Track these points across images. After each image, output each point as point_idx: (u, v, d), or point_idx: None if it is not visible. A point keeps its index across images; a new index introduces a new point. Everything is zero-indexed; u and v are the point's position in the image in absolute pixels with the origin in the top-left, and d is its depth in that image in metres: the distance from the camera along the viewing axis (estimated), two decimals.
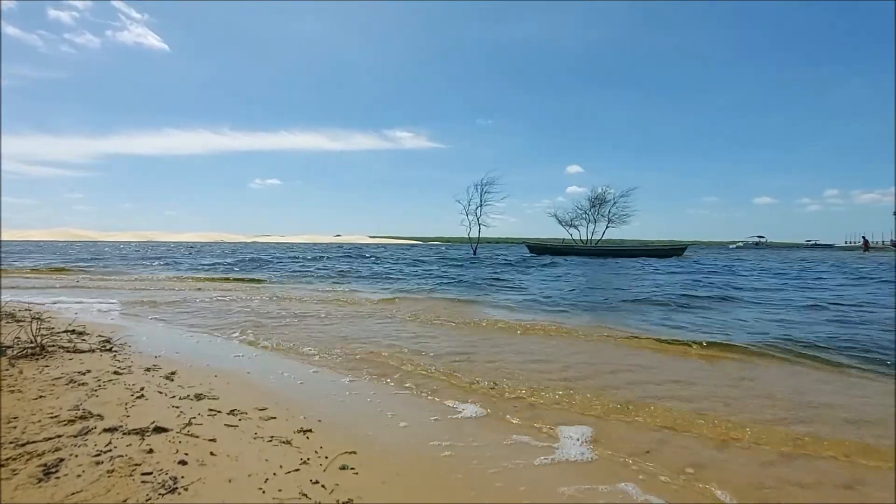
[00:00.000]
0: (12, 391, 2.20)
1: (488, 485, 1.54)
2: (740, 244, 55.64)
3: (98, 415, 1.94)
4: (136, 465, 1.52)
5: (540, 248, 26.06)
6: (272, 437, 1.82)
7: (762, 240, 54.71)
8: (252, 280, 10.13)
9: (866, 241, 40.28)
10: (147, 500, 1.32)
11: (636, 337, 4.06)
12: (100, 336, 3.61)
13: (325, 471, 1.56)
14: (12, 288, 7.77)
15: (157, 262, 16.53)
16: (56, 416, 1.89)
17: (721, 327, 4.59)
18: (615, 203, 28.52)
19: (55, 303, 5.83)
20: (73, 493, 1.33)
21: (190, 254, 24.94)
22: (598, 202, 28.95)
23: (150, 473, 1.46)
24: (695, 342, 3.76)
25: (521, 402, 2.44)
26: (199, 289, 8.20)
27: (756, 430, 2.06)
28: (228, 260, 18.24)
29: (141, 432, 1.77)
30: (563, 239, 29.65)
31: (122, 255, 22.02)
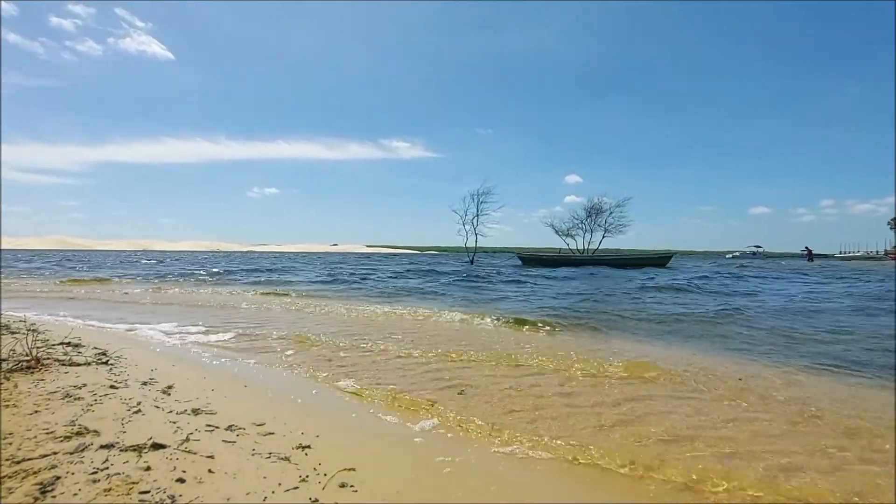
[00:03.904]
0: (7, 406, 2.17)
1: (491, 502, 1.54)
2: (737, 254, 55.73)
3: (94, 430, 1.92)
4: (134, 483, 1.50)
5: (532, 260, 26.11)
6: (270, 453, 1.81)
7: (759, 250, 54.92)
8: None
9: (810, 252, 41.38)
10: None
11: None
12: (95, 349, 3.59)
13: (324, 489, 1.55)
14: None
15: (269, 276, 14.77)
16: (52, 432, 1.87)
17: None
18: (611, 213, 28.73)
19: None
20: None
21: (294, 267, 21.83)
22: (594, 212, 29.15)
23: (148, 492, 1.45)
24: None
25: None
26: None
27: None
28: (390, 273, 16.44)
29: (138, 449, 1.76)
30: (560, 249, 29.74)
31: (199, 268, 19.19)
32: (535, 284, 11.71)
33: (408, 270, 18.43)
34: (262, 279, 13.64)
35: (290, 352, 3.88)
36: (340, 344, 4.17)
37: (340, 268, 20.90)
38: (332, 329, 5.10)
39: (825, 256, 53.84)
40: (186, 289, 10.43)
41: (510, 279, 13.46)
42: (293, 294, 9.27)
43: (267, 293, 9.46)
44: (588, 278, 14.08)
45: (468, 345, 4.21)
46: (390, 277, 14.53)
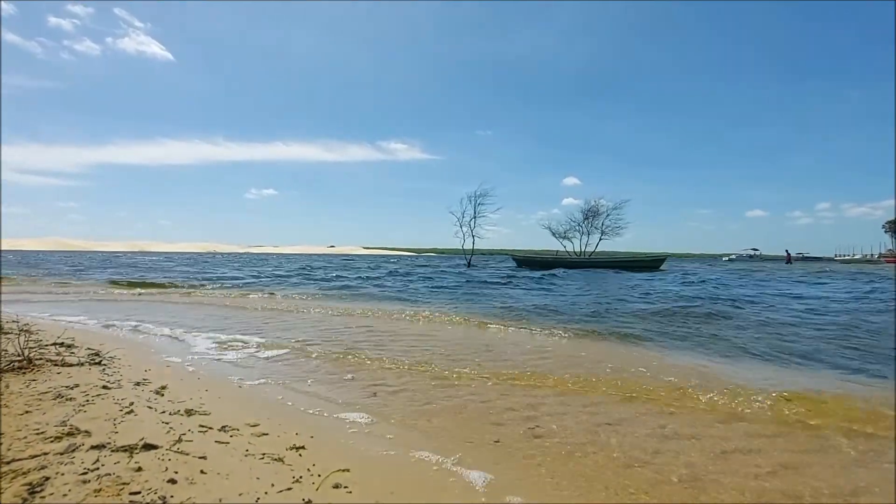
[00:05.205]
0: None
1: None
2: (733, 257, 55.93)
3: (86, 431, 1.90)
4: (125, 483, 1.48)
5: (527, 261, 26.08)
6: (264, 454, 1.79)
7: (756, 252, 55.14)
8: None
9: (789, 255, 41.86)
10: None
11: None
12: (88, 349, 3.56)
13: (317, 489, 1.53)
14: None
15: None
16: (42, 433, 1.85)
17: None
18: (608, 215, 28.72)
19: None
20: None
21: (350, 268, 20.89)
22: (591, 214, 29.15)
23: (139, 493, 1.43)
24: None
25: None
26: None
27: None
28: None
29: (129, 449, 1.74)
30: (557, 251, 29.73)
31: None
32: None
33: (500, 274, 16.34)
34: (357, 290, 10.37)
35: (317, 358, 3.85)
36: None
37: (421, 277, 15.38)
38: None
39: (820, 259, 54.06)
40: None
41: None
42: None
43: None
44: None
45: None
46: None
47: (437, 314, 6.25)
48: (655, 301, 7.87)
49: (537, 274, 17.55)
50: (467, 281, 13.12)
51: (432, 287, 11.10)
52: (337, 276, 15.06)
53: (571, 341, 4.53)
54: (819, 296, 9.05)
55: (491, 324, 5.49)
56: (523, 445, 2.03)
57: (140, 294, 9.61)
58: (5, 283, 11.82)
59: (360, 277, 14.70)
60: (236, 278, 13.99)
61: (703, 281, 13.31)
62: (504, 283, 12.39)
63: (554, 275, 16.56)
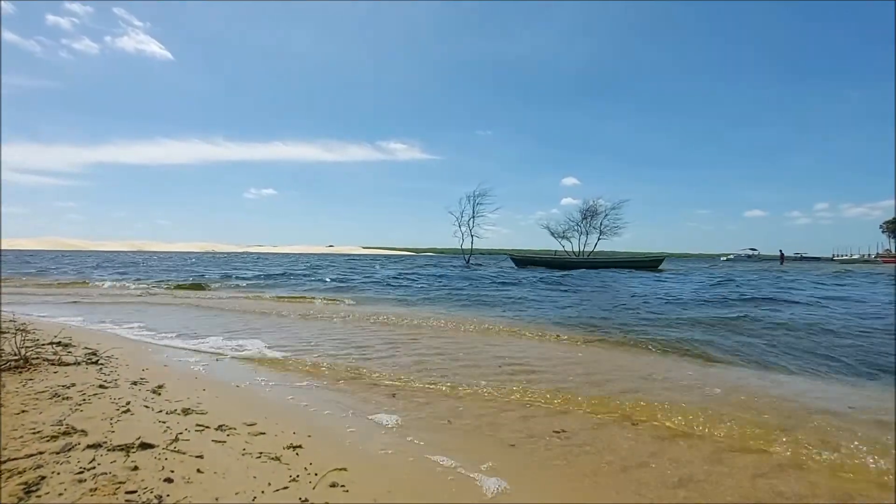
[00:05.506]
0: None
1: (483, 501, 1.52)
2: (731, 257, 55.95)
3: (82, 430, 1.89)
4: (121, 482, 1.48)
5: (524, 261, 26.15)
6: (261, 453, 1.79)
7: (754, 252, 55.18)
8: None
9: (783, 255, 42.03)
10: None
11: None
12: (86, 348, 3.55)
13: (314, 488, 1.53)
14: None
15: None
16: (39, 432, 1.85)
17: None
18: (606, 215, 28.76)
19: None
20: None
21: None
22: (589, 214, 29.20)
23: (135, 492, 1.43)
24: None
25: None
26: None
27: None
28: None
29: (126, 448, 1.74)
30: (556, 251, 29.77)
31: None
32: None
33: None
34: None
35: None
36: None
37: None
38: None
39: (818, 259, 54.18)
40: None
41: None
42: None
43: None
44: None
45: None
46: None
47: (446, 317, 6.14)
48: (689, 305, 7.40)
49: (551, 273, 17.39)
50: (474, 282, 12.95)
51: (439, 288, 11.00)
52: (340, 277, 15.05)
53: (594, 349, 4.23)
54: (858, 297, 8.54)
55: (506, 329, 5.28)
56: (540, 454, 2.01)
57: (140, 294, 9.61)
58: (3, 283, 11.80)
59: (363, 278, 14.71)
60: (239, 278, 13.99)
61: (730, 281, 13.04)
62: (513, 284, 12.30)
63: (567, 275, 16.32)
